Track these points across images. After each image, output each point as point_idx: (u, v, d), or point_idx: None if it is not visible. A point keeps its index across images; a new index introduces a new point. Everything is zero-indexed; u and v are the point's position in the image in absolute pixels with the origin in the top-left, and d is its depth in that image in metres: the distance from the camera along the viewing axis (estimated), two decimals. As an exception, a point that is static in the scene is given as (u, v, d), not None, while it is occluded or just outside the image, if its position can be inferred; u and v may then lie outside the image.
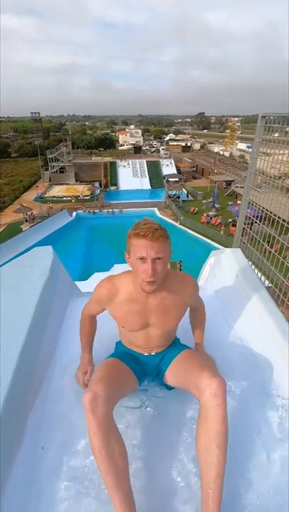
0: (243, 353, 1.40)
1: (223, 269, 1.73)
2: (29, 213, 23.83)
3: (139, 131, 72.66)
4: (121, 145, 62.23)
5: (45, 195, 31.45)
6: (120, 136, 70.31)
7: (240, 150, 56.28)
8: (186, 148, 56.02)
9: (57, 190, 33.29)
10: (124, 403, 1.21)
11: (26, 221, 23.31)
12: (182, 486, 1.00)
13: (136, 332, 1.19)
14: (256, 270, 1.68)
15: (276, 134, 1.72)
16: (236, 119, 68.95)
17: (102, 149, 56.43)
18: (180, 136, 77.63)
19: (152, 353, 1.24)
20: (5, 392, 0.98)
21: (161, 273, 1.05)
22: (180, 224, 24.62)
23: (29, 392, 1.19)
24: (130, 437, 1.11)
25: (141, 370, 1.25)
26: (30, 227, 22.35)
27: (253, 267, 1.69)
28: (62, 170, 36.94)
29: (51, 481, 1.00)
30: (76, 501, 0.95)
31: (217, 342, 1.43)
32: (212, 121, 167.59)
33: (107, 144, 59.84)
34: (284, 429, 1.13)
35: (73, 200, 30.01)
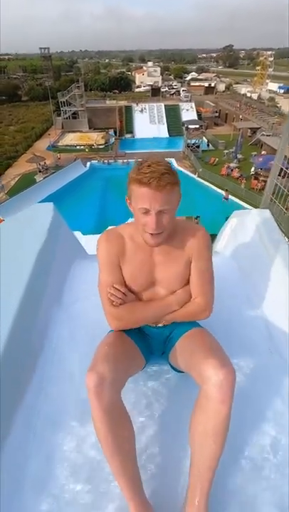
0: (263, 328, 1.26)
1: (248, 234, 1.50)
2: (42, 163, 23.18)
3: (158, 69, 65.48)
4: (137, 86, 56.88)
5: (58, 144, 30.16)
6: (137, 76, 63.95)
7: (270, 91, 50.31)
8: (210, 90, 50.55)
9: (70, 139, 31.77)
10: (130, 383, 1.10)
11: (40, 172, 22.79)
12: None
13: (142, 293, 1.06)
14: (287, 238, 1.46)
15: None
16: (269, 52, 60.13)
17: (116, 91, 51.98)
18: (203, 75, 69.76)
19: (159, 324, 1.10)
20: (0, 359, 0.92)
21: (168, 225, 0.94)
22: (198, 176, 23.38)
23: (27, 358, 1.13)
24: (135, 419, 1.02)
25: (147, 346, 1.11)
26: (44, 178, 21.91)
27: (283, 233, 1.46)
28: (74, 115, 34.75)
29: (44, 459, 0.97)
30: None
31: (235, 315, 1.29)
32: (241, 55, 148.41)
33: (123, 85, 54.80)
34: None
35: (87, 150, 28.71)
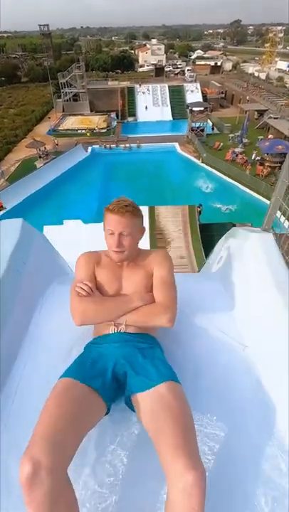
0: (255, 385, 1.06)
1: (246, 262, 1.29)
2: (42, 148, 22.67)
3: (162, 47, 62.71)
4: (141, 66, 54.72)
5: (59, 128, 29.40)
6: (140, 54, 61.41)
7: (279, 70, 48.11)
8: (216, 69, 48.43)
9: (71, 122, 30.95)
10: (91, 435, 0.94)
11: (40, 157, 22.32)
12: None
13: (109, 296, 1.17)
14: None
15: None
16: (279, 28, 56.97)
17: (119, 71, 50.10)
18: (209, 53, 66.71)
19: (123, 331, 1.08)
20: None
21: (129, 247, 1.14)
22: (202, 162, 22.76)
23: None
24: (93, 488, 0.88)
25: (108, 384, 0.97)
26: (45, 163, 21.49)
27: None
28: (75, 98, 33.70)
29: None
30: None
31: (219, 363, 1.10)
32: (249, 32, 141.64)
33: (126, 64, 52.73)
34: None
35: (88, 134, 27.98)
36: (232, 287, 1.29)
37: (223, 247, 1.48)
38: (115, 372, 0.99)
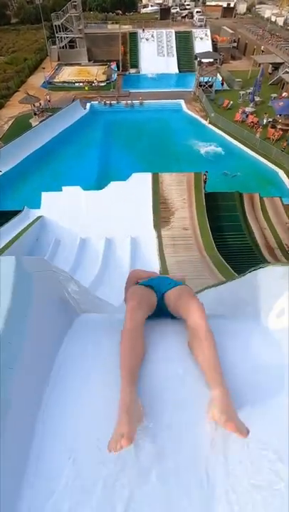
0: None
1: None
2: (37, 105, 20.91)
3: (169, -18, 55.22)
4: (144, 6, 48.69)
5: (54, 80, 26.91)
6: (144, -9, 54.26)
7: (299, 14, 42.83)
8: (228, 12, 43.11)
9: (67, 74, 28.28)
10: None
11: (35, 114, 20.69)
12: None
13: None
14: None
15: None
16: None
17: (120, 12, 44.70)
18: (222, -8, 58.91)
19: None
20: None
21: None
22: (209, 123, 21.19)
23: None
24: None
25: (154, 284, 1.49)
26: (40, 122, 19.97)
27: None
28: (72, 44, 30.45)
29: None
30: None
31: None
32: None
33: (127, 3, 46.81)
34: None
35: (86, 88, 25.69)
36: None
37: (283, 295, 1.12)
38: (155, 283, 1.49)
